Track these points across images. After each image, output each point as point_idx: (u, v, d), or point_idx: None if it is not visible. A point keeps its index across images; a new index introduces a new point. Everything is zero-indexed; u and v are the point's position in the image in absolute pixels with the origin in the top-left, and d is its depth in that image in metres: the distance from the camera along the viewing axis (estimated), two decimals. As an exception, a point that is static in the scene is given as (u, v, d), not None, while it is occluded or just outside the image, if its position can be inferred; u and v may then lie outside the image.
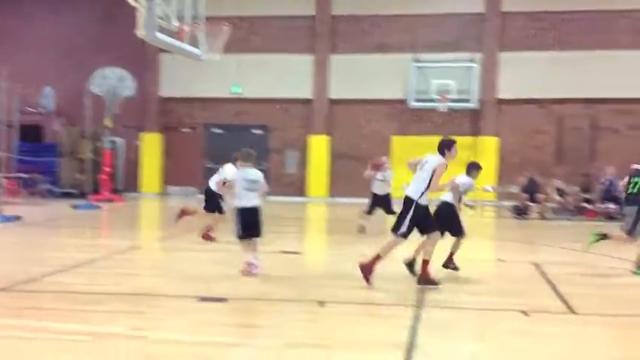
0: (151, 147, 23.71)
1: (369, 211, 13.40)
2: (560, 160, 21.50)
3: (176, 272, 9.32)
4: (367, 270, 8.15)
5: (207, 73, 21.87)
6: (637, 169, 9.65)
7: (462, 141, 21.36)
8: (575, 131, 21.55)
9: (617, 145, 20.97)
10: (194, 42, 12.50)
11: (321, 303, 7.35)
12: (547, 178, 18.77)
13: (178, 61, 19.74)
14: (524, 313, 7.02)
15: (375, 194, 13.30)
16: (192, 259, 10.42)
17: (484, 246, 13.33)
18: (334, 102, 22.87)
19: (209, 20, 13.07)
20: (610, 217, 16.52)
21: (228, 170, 10.85)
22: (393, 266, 8.73)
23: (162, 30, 11.12)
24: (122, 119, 21.09)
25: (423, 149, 23.35)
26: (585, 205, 17.83)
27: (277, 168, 22.76)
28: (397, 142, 22.33)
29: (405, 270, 8.68)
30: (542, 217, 17.45)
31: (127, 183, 23.78)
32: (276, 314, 7.04)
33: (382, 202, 13.17)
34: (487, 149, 21.84)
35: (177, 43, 11.86)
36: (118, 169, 23.56)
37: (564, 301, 7.61)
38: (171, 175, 24.00)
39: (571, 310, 7.24)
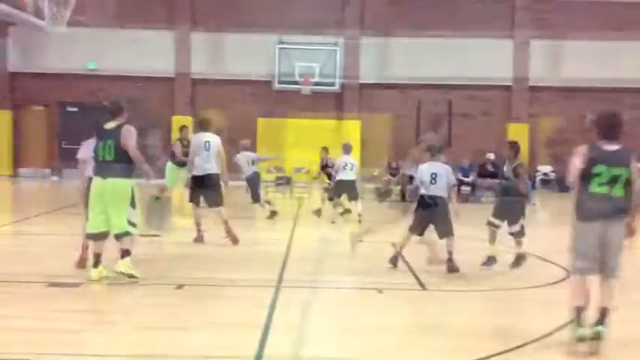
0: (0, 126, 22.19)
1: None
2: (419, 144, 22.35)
3: (27, 257, 8.83)
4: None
5: (60, 47, 20.75)
6: None
7: (325, 124, 22.27)
8: (433, 116, 22.44)
9: (471, 131, 22.09)
10: (39, 13, 11.75)
11: (180, 286, 7.21)
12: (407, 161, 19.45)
13: (29, 34, 18.59)
14: (379, 290, 7.25)
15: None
16: (45, 243, 9.89)
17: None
18: (197, 81, 22.42)
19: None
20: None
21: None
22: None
23: (1, -2, 10.35)
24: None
25: (288, 131, 23.53)
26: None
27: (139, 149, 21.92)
28: (262, 123, 22.27)
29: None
30: (403, 199, 18.06)
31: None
32: (130, 298, 6.83)
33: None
34: (350, 132, 22.27)
35: (17, 12, 11.03)
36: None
37: (416, 278, 7.94)
38: (23, 156, 22.58)
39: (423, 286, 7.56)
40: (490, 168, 18.63)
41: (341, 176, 13.10)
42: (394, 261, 8.35)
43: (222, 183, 9.91)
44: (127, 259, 7.13)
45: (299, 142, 22.06)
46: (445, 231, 8.22)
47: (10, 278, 7.42)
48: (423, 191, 8.35)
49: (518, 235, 8.54)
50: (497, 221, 8.57)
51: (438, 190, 8.27)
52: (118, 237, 7.17)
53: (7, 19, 12.07)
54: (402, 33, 22.16)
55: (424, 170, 8.40)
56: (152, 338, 5.49)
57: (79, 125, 22.36)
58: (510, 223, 8.54)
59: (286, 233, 11.44)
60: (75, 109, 22.48)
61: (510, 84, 22.47)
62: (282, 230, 11.95)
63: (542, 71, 21.89)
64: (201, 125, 10.22)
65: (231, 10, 22.28)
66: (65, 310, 6.21)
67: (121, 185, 7.18)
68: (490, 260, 8.52)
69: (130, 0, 21.96)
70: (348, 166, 13.17)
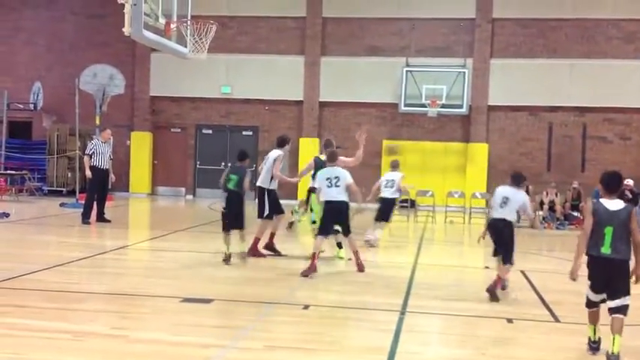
0: (140, 146, 23.58)
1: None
2: (551, 168, 21.56)
3: (162, 273, 9.29)
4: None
5: (197, 72, 21.84)
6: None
7: (452, 147, 21.99)
8: (565, 139, 21.62)
9: (607, 155, 21.07)
10: (181, 40, 12.44)
11: (306, 306, 7.34)
12: (538, 185, 18.84)
13: (168, 61, 19.70)
14: (509, 320, 7.02)
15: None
16: (180, 259, 10.37)
17: (472, 252, 13.36)
18: (324, 104, 22.82)
19: (197, 18, 13.01)
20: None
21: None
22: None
23: (149, 27, 11.03)
24: (112, 118, 20.96)
25: (413, 154, 23.47)
26: (574, 213, 17.93)
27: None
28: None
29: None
30: (532, 226, 17.44)
31: (116, 183, 23.63)
32: (258, 316, 7.01)
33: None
34: (477, 155, 21.87)
35: (164, 40, 11.77)
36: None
37: (550, 310, 7.63)
38: (161, 176, 23.86)
39: (556, 319, 7.25)
40: (629, 195, 17.65)
41: (382, 194, 12.70)
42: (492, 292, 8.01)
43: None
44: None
45: (424, 164, 21.92)
46: (504, 256, 8.17)
47: (144, 292, 7.84)
48: (493, 214, 8.39)
49: None
50: None
51: (506, 213, 8.21)
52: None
53: (154, 47, 12.85)
54: (534, 55, 21.63)
55: (497, 192, 8.44)
56: (278, 357, 5.61)
57: (213, 146, 23.57)
58: None
59: (411, 257, 11.36)
60: (210, 132, 23.56)
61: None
62: (406, 254, 11.89)
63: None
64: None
65: (359, 37, 22.59)
66: (196, 325, 6.47)
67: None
68: None
69: (265, 28, 22.86)
70: (389, 184, 12.70)
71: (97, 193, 14.51)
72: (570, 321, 7.04)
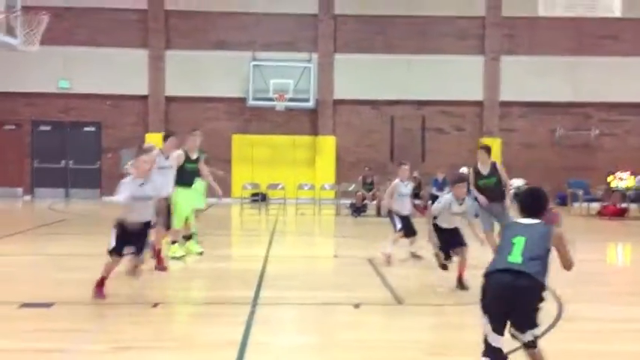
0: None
1: None
2: (394, 159, 22.50)
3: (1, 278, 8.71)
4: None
5: (31, 66, 20.60)
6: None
7: (301, 140, 22.34)
8: (406, 132, 22.62)
9: (444, 145, 22.32)
10: (11, 32, 11.69)
11: (155, 304, 7.17)
12: (383, 176, 19.59)
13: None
14: (356, 305, 7.26)
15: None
16: (17, 263, 9.75)
17: (323, 243, 13.67)
18: (171, 99, 22.34)
19: (28, 9, 12.27)
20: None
21: None
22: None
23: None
24: None
25: (263, 148, 23.62)
26: (417, 202, 18.83)
27: (111, 167, 21.70)
28: (237, 140, 22.26)
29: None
30: (379, 214, 18.11)
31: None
32: (105, 318, 6.77)
33: None
34: (325, 148, 22.36)
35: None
36: None
37: (393, 293, 7.97)
38: (2, 174, 22.19)
39: (398, 300, 7.59)
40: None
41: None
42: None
43: None
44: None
45: (274, 158, 22.12)
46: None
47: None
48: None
49: None
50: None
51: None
52: None
53: (-21, 39, 11.97)
54: (375, 50, 22.42)
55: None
56: (126, 357, 5.46)
57: (52, 144, 22.30)
58: None
59: (262, 250, 11.43)
60: (48, 128, 22.27)
61: (481, 99, 22.73)
62: (258, 247, 11.95)
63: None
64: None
65: (204, 30, 22.32)
66: (37, 330, 6.14)
67: None
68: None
69: (105, 20, 21.97)
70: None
71: None
72: (412, 302, 7.41)
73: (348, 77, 22.39)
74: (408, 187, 10.35)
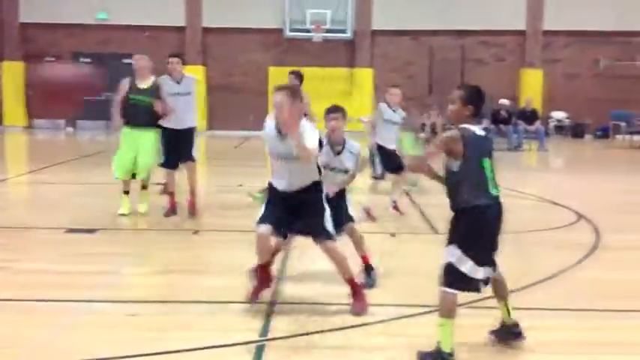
0: (13, 77, 22.22)
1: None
2: (432, 92, 22.23)
3: (43, 205, 9.02)
4: None
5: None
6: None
7: (337, 72, 22.14)
8: (445, 63, 22.24)
9: (484, 76, 21.91)
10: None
11: (196, 232, 7.37)
12: (421, 108, 19.38)
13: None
14: (392, 234, 7.35)
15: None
16: (61, 192, 10.05)
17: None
18: (207, 30, 22.24)
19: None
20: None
21: None
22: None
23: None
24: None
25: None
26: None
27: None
28: (273, 72, 22.15)
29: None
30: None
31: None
32: (146, 243, 6.99)
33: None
34: (362, 81, 22.17)
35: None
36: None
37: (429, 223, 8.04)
38: (38, 108, 22.60)
39: (435, 230, 7.66)
40: (505, 114, 18.62)
41: None
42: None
43: None
44: None
45: (309, 91, 21.94)
46: None
47: (26, 224, 7.60)
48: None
49: None
50: None
51: None
52: None
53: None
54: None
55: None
56: (167, 280, 5.69)
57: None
58: None
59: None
60: (87, 60, 22.46)
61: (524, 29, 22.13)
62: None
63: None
64: None
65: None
66: (82, 254, 6.38)
67: None
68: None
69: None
70: None
71: None
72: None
73: (386, 7, 21.93)
74: (396, 114, 8.76)
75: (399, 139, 8.96)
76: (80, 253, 6.40)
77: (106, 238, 7.17)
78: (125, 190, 8.08)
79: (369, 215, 7.85)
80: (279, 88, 4.73)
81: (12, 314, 4.76)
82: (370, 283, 5.41)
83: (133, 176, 8.06)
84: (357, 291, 4.91)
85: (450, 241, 3.99)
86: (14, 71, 22.24)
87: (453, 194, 4.02)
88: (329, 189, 5.17)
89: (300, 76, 9.56)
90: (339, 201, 5.36)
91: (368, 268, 5.51)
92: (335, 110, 5.51)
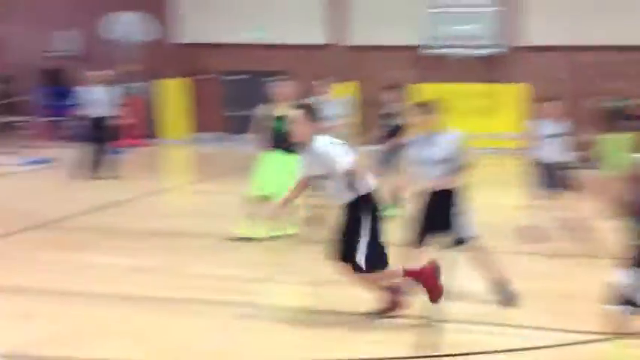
0: (172, 93, 23.65)
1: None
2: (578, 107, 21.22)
3: (205, 213, 9.70)
4: None
5: (224, 16, 21.74)
6: None
7: (477, 89, 21.56)
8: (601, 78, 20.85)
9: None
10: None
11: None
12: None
13: (197, 5, 19.50)
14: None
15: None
16: (222, 202, 10.68)
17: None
18: (353, 49, 22.53)
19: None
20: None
21: None
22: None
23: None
24: (142, 65, 20.94)
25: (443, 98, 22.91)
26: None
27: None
28: (414, 89, 21.92)
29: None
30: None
31: (150, 129, 23.81)
32: (304, 254, 7.43)
33: None
34: (506, 97, 21.53)
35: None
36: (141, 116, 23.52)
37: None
38: (200, 122, 23.93)
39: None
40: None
41: None
42: None
43: None
44: None
45: (450, 108, 21.36)
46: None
47: (189, 231, 8.26)
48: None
49: None
50: None
51: None
52: None
53: None
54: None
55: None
56: (323, 291, 6.19)
57: (241, 93, 23.49)
58: None
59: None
60: (240, 77, 23.54)
61: None
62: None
63: None
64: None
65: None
66: (242, 261, 6.92)
67: None
68: None
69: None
70: None
71: (94, 144, 13.29)
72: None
73: (532, 22, 21.20)
74: (558, 127, 8.44)
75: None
76: (240, 260, 6.96)
77: (269, 246, 7.68)
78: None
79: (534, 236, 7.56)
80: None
81: (170, 312, 5.24)
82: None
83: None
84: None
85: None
86: (175, 88, 23.73)
87: None
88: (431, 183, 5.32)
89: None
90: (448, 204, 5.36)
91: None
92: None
